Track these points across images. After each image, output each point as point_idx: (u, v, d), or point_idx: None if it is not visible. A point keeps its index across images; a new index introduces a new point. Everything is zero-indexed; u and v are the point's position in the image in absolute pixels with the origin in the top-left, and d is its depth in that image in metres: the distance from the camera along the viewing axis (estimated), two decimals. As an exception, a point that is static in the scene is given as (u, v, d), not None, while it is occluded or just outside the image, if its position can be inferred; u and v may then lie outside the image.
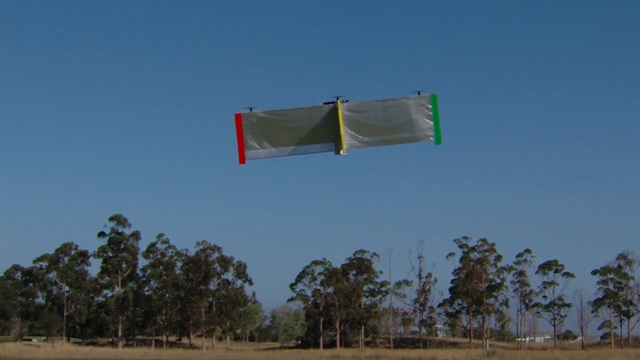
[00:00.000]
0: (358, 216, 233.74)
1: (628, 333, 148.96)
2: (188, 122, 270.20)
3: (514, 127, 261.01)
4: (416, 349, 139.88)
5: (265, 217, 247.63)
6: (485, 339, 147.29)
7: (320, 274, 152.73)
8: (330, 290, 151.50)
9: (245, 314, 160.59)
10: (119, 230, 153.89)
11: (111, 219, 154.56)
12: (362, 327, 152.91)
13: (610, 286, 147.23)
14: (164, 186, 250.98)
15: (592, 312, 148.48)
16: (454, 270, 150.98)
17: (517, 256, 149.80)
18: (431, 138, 12.16)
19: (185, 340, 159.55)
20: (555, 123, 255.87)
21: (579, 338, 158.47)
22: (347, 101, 12.36)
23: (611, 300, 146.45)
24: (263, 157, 12.54)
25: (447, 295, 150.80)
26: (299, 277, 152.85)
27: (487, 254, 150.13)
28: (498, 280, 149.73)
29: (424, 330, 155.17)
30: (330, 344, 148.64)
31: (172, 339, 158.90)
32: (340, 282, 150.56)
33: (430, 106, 11.71)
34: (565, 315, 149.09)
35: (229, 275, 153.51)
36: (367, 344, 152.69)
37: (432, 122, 11.86)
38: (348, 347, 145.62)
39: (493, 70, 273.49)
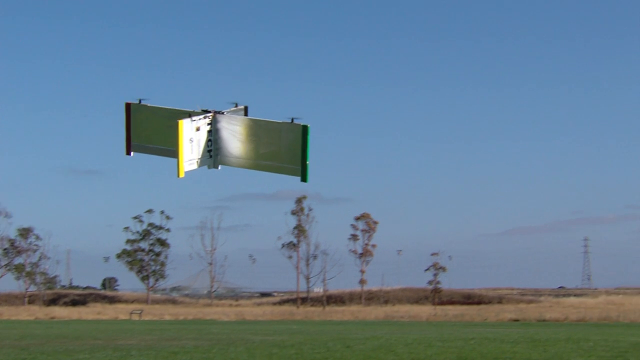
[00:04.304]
0: None
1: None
2: None
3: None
4: None
5: None
6: None
7: None
8: None
9: None
10: None
11: None
12: None
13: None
14: None
15: None
16: None
17: None
18: (298, 173, 10.66)
19: None
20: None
21: None
22: (223, 113, 11.00)
23: None
24: (148, 152, 11.44)
25: None
26: None
27: None
28: None
29: None
30: None
31: None
32: None
33: (301, 138, 10.56)
34: None
35: None
36: None
37: (300, 155, 10.58)
38: None
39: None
